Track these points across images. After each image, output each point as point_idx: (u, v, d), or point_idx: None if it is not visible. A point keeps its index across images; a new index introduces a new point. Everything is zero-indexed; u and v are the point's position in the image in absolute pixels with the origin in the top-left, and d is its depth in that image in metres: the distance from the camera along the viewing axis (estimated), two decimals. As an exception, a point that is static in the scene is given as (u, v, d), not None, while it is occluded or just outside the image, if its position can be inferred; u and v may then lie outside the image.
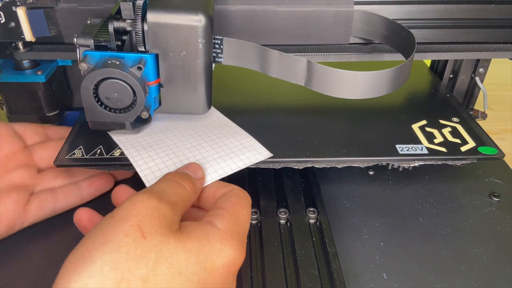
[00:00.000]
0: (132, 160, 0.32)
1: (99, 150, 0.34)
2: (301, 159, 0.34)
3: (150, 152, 0.33)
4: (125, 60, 0.30)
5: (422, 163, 0.35)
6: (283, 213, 0.34)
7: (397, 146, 0.36)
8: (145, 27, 0.30)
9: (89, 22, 0.32)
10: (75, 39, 0.30)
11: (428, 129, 0.38)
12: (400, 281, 0.30)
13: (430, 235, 0.33)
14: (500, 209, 0.36)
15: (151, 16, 0.29)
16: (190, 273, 0.21)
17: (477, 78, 0.47)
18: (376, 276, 0.30)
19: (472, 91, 0.49)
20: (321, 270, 0.30)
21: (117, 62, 0.29)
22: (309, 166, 0.35)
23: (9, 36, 0.35)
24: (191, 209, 0.28)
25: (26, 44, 0.37)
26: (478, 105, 0.50)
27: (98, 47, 0.30)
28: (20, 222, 0.32)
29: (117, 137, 0.35)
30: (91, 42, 0.30)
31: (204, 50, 0.31)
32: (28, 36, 0.35)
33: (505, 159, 0.36)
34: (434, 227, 0.34)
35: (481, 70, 0.47)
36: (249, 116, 0.40)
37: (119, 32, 0.31)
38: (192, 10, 0.30)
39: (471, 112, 0.50)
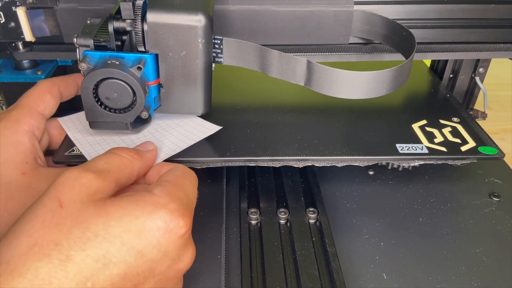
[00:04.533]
0: (83, 151, 0.32)
1: None
2: (301, 157, 0.34)
3: (103, 145, 0.33)
4: (125, 60, 0.30)
5: (422, 163, 0.35)
6: (283, 213, 0.34)
7: (397, 145, 0.36)
8: (145, 27, 0.30)
9: (89, 22, 0.32)
10: (75, 39, 0.30)
11: (428, 128, 0.38)
12: (400, 281, 0.30)
13: (430, 235, 0.33)
14: (500, 209, 0.36)
15: (151, 16, 0.29)
16: (111, 235, 0.21)
17: (477, 78, 0.47)
18: (376, 276, 0.30)
19: (472, 91, 0.49)
20: (321, 270, 0.30)
21: (117, 62, 0.29)
22: (309, 164, 0.35)
23: (9, 36, 0.35)
24: (138, 186, 0.28)
25: (26, 44, 0.37)
26: (478, 105, 0.50)
27: (98, 47, 0.30)
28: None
29: (74, 135, 0.35)
30: (91, 42, 0.30)
31: (204, 50, 0.31)
32: (28, 36, 0.35)
33: (505, 159, 0.36)
34: (434, 227, 0.34)
35: (481, 70, 0.47)
36: (249, 115, 0.40)
37: (119, 32, 0.31)
38: (192, 10, 0.30)
39: (471, 112, 0.50)
